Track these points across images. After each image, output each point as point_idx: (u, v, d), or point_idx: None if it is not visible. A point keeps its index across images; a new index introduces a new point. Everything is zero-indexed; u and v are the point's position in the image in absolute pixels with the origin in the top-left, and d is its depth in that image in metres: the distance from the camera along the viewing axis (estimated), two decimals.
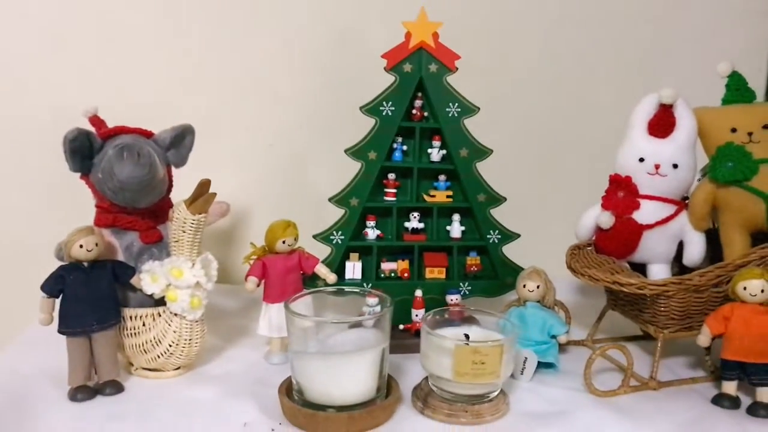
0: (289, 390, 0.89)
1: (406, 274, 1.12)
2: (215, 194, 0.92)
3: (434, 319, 0.95)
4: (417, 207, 1.12)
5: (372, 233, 1.12)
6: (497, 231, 1.13)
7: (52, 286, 0.91)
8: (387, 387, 0.91)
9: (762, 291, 0.89)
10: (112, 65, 1.28)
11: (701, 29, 1.39)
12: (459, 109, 1.08)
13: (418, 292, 1.10)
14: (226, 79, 1.31)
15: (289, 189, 1.34)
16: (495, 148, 1.12)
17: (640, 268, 1.08)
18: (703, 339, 0.93)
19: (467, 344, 0.87)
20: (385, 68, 1.06)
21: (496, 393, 0.90)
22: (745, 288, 0.89)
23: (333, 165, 1.12)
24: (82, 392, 0.91)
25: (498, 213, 1.16)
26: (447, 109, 1.08)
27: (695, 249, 1.04)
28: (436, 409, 0.88)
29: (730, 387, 0.93)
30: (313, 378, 0.86)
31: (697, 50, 1.38)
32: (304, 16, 1.31)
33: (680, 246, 1.06)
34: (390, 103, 1.07)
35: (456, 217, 1.14)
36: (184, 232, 0.93)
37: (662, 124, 1.02)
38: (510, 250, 1.18)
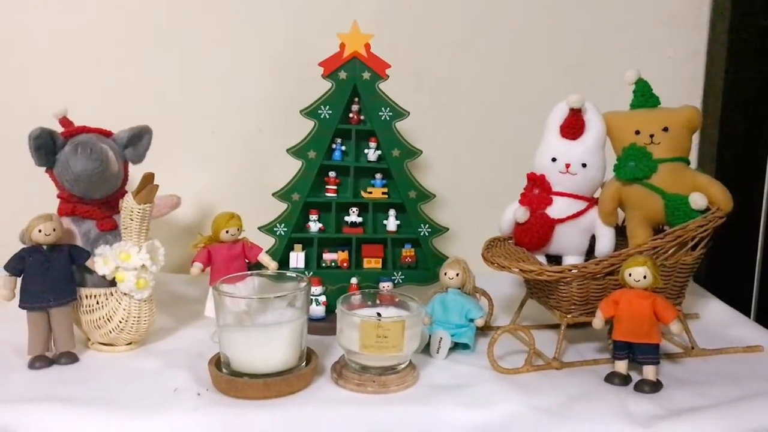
0: (219, 362, 1.00)
1: (345, 264, 1.23)
2: (158, 186, 1.04)
3: (360, 302, 1.06)
4: (355, 202, 1.23)
5: (314, 226, 1.23)
6: (427, 225, 1.23)
7: (14, 265, 1.03)
8: (308, 361, 1.01)
9: (644, 277, 0.97)
10: (89, 73, 1.40)
11: (635, 41, 1.48)
12: (390, 113, 1.19)
13: (353, 280, 1.20)
14: (194, 88, 1.44)
15: (251, 187, 1.44)
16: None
17: (558, 261, 1.17)
18: (597, 322, 1.01)
19: (379, 320, 0.97)
20: (322, 75, 1.17)
21: (403, 366, 1.00)
22: (630, 274, 0.98)
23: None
24: (39, 361, 1.03)
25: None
26: (380, 113, 1.18)
27: (605, 242, 1.13)
28: (348, 380, 0.98)
29: (621, 366, 1.01)
30: (235, 349, 0.97)
31: (636, 61, 1.46)
32: (263, 29, 1.43)
33: (593, 239, 1.16)
34: (327, 107, 1.18)
35: (392, 212, 1.24)
36: (132, 220, 1.05)
37: (572, 126, 1.11)
38: (456, 245, 1.30)
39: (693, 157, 1.50)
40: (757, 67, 1.42)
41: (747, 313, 1.40)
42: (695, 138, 1.49)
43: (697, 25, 1.48)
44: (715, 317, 1.28)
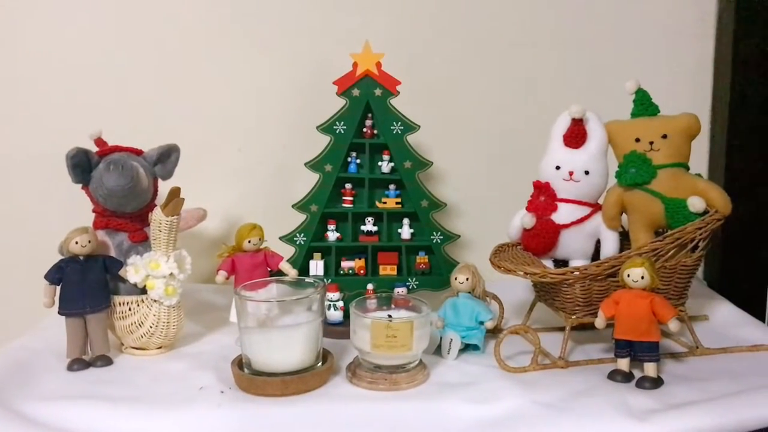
0: (241, 362, 1.07)
1: (362, 271, 1.29)
2: (184, 199, 1.12)
3: (375, 306, 1.12)
4: (371, 212, 1.29)
5: (332, 235, 1.29)
6: (439, 232, 1.29)
7: (53, 275, 1.11)
8: (324, 361, 1.07)
9: (642, 278, 1.01)
10: (121, 96, 1.50)
11: (643, 53, 1.53)
12: (402, 127, 1.25)
13: (370, 286, 1.27)
14: (220, 108, 1.52)
15: (273, 200, 1.50)
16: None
17: (566, 265, 1.22)
18: (598, 321, 1.06)
19: (390, 320, 1.03)
20: (336, 93, 1.24)
21: (413, 365, 1.06)
22: (629, 275, 1.02)
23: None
24: (77, 363, 1.11)
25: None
26: (391, 128, 1.25)
27: (609, 245, 1.18)
28: (361, 378, 1.04)
29: (623, 363, 1.05)
30: (256, 350, 1.04)
31: (643, 72, 1.50)
32: (284, 51, 1.51)
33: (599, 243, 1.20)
34: (342, 122, 1.25)
35: (406, 221, 1.30)
36: (160, 231, 1.13)
37: (574, 136, 1.17)
38: (468, 251, 1.38)
39: (704, 164, 1.55)
40: (763, 75, 1.45)
41: (761, 318, 1.42)
42: (705, 146, 1.54)
43: (702, 36, 1.52)
44: (725, 319, 1.31)
